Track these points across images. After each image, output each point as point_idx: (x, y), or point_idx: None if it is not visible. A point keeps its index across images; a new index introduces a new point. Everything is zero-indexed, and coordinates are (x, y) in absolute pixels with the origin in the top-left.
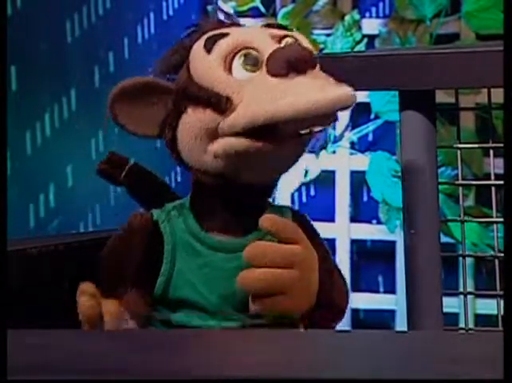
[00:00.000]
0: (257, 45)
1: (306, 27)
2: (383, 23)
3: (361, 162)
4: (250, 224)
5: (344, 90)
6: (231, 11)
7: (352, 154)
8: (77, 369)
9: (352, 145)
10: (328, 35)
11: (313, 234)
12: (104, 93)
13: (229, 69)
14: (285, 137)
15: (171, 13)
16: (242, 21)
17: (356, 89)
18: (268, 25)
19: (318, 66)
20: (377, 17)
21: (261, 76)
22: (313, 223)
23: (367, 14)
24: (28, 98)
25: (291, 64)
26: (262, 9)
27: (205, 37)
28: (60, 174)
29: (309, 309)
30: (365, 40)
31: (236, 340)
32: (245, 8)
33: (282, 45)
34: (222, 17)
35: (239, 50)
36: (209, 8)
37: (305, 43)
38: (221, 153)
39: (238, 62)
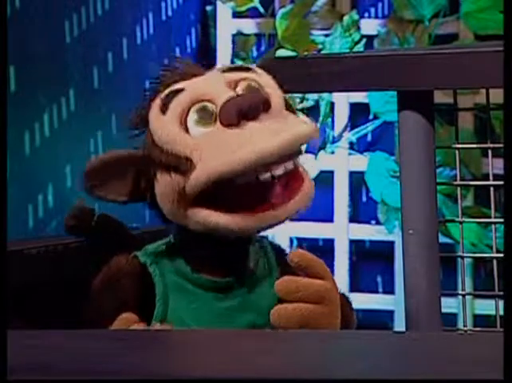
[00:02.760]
0: (212, 97)
1: (305, 27)
2: (382, 23)
3: (360, 162)
4: (236, 264)
5: (300, 128)
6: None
7: (350, 154)
8: (77, 369)
9: (351, 146)
10: (326, 35)
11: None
12: (103, 94)
13: (185, 128)
14: (245, 205)
15: (170, 13)
16: (241, 21)
17: (355, 90)
18: (226, 70)
19: (276, 105)
20: (376, 17)
21: (216, 129)
22: (311, 224)
23: (366, 15)
24: (27, 98)
25: (241, 112)
26: (261, 9)
27: (161, 95)
28: (59, 174)
29: None
30: (364, 40)
31: (236, 341)
32: (243, 8)
33: (236, 91)
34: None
35: (193, 105)
36: (207, 9)
37: (266, 84)
38: (199, 224)
39: (192, 119)
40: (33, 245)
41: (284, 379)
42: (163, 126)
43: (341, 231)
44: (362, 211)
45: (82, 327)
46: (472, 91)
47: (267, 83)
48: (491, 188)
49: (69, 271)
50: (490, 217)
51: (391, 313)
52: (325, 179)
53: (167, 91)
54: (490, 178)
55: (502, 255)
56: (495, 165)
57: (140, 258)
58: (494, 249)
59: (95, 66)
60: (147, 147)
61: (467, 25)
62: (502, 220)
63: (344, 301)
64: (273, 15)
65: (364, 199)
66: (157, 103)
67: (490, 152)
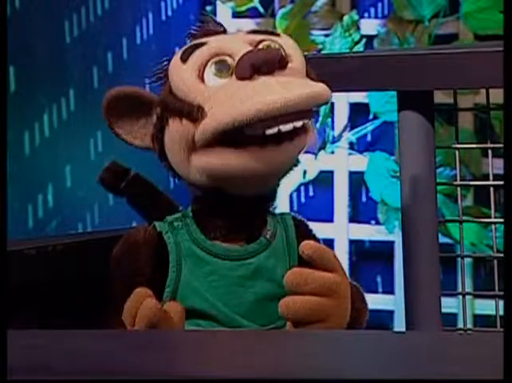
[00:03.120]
0: (232, 52)
1: (305, 28)
2: (381, 23)
3: (360, 162)
4: (253, 232)
5: (313, 87)
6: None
7: (350, 154)
8: (77, 369)
9: (351, 145)
10: (326, 35)
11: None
12: (103, 94)
13: (202, 78)
14: (253, 142)
15: (169, 13)
16: (241, 21)
17: (355, 90)
18: (250, 31)
19: (296, 66)
20: (376, 17)
21: (231, 81)
22: (310, 225)
23: (365, 15)
24: (26, 99)
25: (255, 66)
26: (261, 9)
27: (184, 47)
28: (58, 174)
29: None
30: (364, 40)
31: (236, 341)
32: (243, 8)
33: (257, 48)
34: (212, 25)
35: (212, 58)
36: (207, 9)
37: (289, 46)
38: (200, 171)
39: (209, 70)
40: (33, 245)
41: (283, 379)
42: (181, 74)
43: (341, 231)
44: (362, 211)
45: (82, 321)
46: (472, 91)
47: (290, 45)
48: (491, 188)
49: (69, 271)
50: (490, 217)
51: (391, 313)
52: (325, 179)
53: (191, 43)
54: (490, 178)
55: (501, 255)
56: (495, 165)
57: (157, 226)
58: (494, 249)
59: (95, 66)
60: (164, 94)
61: (467, 25)
62: (501, 220)
63: (355, 293)
64: (273, 15)
65: (364, 199)
66: (178, 53)
67: (490, 152)
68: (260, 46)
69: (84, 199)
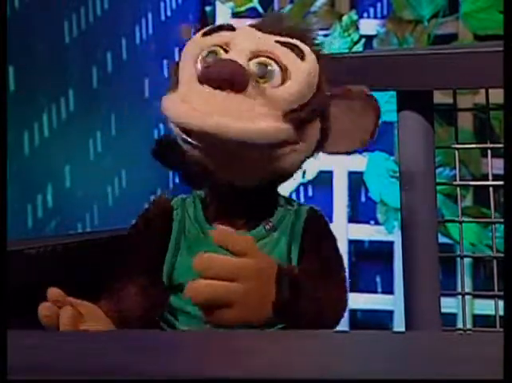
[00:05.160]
0: (229, 48)
1: None
2: (381, 23)
3: (359, 162)
4: (254, 222)
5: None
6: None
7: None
8: (77, 369)
9: None
10: (325, 35)
11: (319, 238)
12: (102, 94)
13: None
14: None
15: (169, 13)
16: (240, 21)
17: None
18: (282, 31)
19: (284, 89)
20: (375, 17)
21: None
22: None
23: (365, 15)
24: (26, 99)
25: (209, 77)
26: (260, 9)
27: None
28: (58, 174)
29: (268, 318)
30: (363, 40)
31: (235, 340)
32: (243, 9)
33: (222, 59)
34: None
35: (214, 46)
36: (207, 9)
37: (293, 64)
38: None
39: (200, 55)
40: (32, 245)
41: (283, 379)
42: (188, 45)
43: (341, 231)
44: (361, 211)
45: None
46: (472, 91)
47: (295, 68)
48: (491, 188)
49: (69, 271)
50: (489, 217)
51: (390, 313)
52: (324, 180)
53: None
54: (490, 178)
55: (501, 255)
56: (495, 165)
57: (173, 200)
58: (494, 249)
59: (94, 66)
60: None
61: (467, 25)
62: (501, 220)
63: (321, 274)
64: None
65: (364, 199)
66: (200, 31)
67: (489, 152)
68: (255, 60)
69: (84, 199)
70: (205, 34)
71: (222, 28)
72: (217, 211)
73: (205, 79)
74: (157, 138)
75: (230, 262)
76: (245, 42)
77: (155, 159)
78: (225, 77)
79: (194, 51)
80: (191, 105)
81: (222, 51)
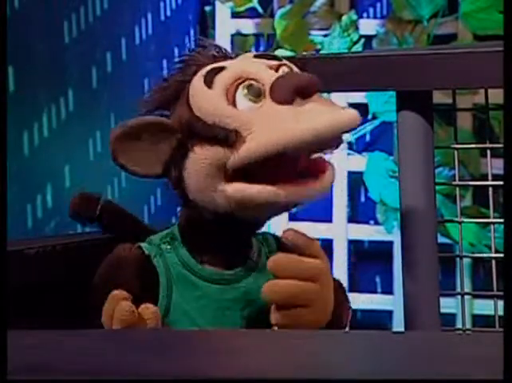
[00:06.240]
0: (257, 76)
1: (303, 28)
2: (380, 24)
3: (359, 162)
4: (241, 255)
5: (349, 112)
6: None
7: (349, 154)
8: (77, 369)
9: (350, 146)
10: (325, 35)
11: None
12: (102, 94)
13: (232, 102)
14: (290, 174)
15: (168, 13)
16: (240, 21)
17: (354, 90)
18: (260, 56)
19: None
20: (375, 17)
21: (268, 105)
22: (309, 225)
23: (364, 15)
24: (25, 99)
25: (297, 90)
26: (260, 9)
27: (203, 71)
28: (57, 175)
29: (324, 325)
30: (362, 40)
31: (236, 340)
32: (242, 8)
33: (281, 73)
34: (211, 50)
35: (241, 82)
36: (206, 9)
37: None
38: (237, 199)
39: (241, 94)
40: (32, 245)
41: (283, 379)
42: (210, 99)
43: (340, 232)
44: (361, 211)
45: (82, 321)
46: (471, 91)
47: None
48: (490, 188)
49: (68, 271)
50: (488, 217)
51: (390, 313)
52: None
53: (209, 67)
54: (489, 178)
55: (500, 255)
56: (494, 165)
57: (145, 249)
58: (493, 249)
59: (94, 66)
60: (184, 120)
61: (466, 25)
62: (500, 220)
63: (338, 287)
64: (272, 15)
65: (363, 199)
66: (199, 78)
67: (488, 152)
68: (280, 71)
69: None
70: (207, 86)
71: (217, 70)
72: (206, 250)
73: (299, 90)
74: (75, 197)
75: (308, 262)
76: (259, 63)
77: (74, 218)
78: (314, 82)
79: (218, 96)
80: (317, 120)
81: (254, 82)
